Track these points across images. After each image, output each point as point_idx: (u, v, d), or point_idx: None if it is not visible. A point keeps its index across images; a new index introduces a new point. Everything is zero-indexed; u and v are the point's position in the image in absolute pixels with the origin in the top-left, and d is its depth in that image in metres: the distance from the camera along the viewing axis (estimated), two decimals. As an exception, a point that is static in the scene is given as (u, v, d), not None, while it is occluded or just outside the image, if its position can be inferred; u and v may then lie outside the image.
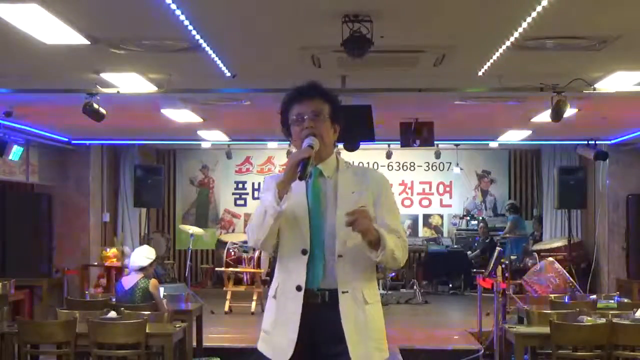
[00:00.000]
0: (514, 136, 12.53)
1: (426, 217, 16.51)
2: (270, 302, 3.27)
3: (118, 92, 7.81)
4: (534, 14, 5.12)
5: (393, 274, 14.43)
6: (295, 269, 3.16)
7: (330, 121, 3.25)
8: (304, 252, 3.15)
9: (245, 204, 16.53)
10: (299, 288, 3.14)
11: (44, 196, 12.77)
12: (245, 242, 14.25)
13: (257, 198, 16.46)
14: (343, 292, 3.13)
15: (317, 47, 6.26)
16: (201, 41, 5.92)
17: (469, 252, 15.27)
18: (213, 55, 6.43)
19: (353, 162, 3.47)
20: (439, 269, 15.29)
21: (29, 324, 7.55)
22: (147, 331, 6.76)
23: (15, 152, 10.93)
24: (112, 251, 13.33)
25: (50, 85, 7.77)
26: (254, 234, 3.16)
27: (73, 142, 12.86)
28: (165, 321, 7.25)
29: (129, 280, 7.74)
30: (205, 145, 14.24)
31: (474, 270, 13.16)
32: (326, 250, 3.15)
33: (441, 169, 16.37)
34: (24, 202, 12.67)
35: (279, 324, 3.19)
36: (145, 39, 6.03)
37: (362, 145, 9.67)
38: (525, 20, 5.29)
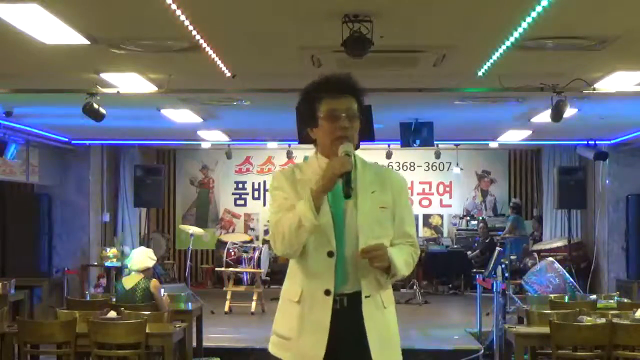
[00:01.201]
0: (514, 136, 12.53)
1: (426, 217, 16.51)
2: (289, 306, 3.07)
3: (118, 92, 7.81)
4: (534, 14, 5.12)
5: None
6: (321, 272, 3.00)
7: (359, 121, 3.12)
8: (330, 254, 3.00)
9: (245, 204, 16.54)
10: (327, 292, 2.99)
11: (44, 196, 12.77)
12: (246, 242, 14.33)
13: (257, 198, 16.48)
14: (366, 297, 3.03)
15: (317, 47, 6.26)
16: (201, 41, 5.92)
17: (468, 252, 15.26)
18: (213, 55, 6.43)
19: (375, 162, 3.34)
20: (439, 269, 15.29)
21: (29, 324, 7.55)
22: (147, 331, 6.76)
23: (12, 152, 10.92)
24: (112, 251, 13.33)
25: (50, 85, 7.77)
26: (287, 245, 2.97)
27: (73, 142, 12.87)
28: (165, 321, 7.25)
29: (129, 280, 7.73)
30: (205, 145, 14.24)
31: (474, 270, 13.18)
32: (347, 253, 3.02)
33: (441, 169, 16.37)
34: (24, 202, 12.68)
35: (305, 331, 3.00)
36: (145, 39, 6.03)
37: (362, 145, 9.66)
38: (525, 20, 5.29)
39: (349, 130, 3.02)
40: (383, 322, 3.08)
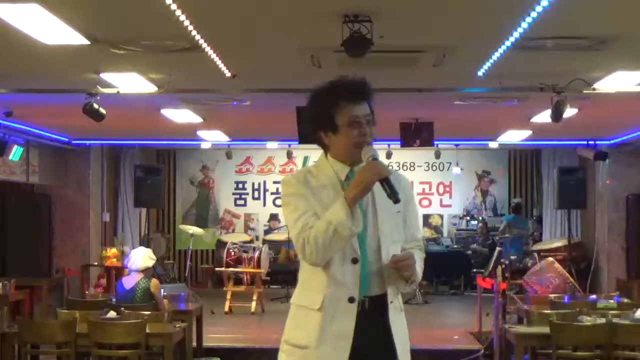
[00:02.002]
0: (514, 136, 12.52)
1: (426, 217, 16.50)
2: (306, 314, 2.97)
3: (118, 92, 7.81)
4: (533, 14, 5.12)
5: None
6: (346, 279, 2.93)
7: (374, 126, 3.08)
8: (354, 260, 2.94)
9: (245, 204, 16.54)
10: (351, 300, 2.92)
11: (44, 196, 12.78)
12: (246, 242, 14.34)
13: (257, 198, 16.48)
14: (391, 302, 3.01)
15: (317, 47, 6.26)
16: (201, 41, 5.92)
17: (469, 252, 15.25)
18: (213, 55, 6.43)
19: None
20: (439, 269, 15.28)
21: (29, 324, 7.55)
22: (147, 331, 6.77)
23: (15, 152, 10.93)
24: (112, 251, 13.34)
25: (50, 85, 7.77)
26: (321, 254, 2.87)
27: (73, 142, 12.87)
28: (165, 321, 7.26)
29: (129, 280, 7.73)
30: (205, 145, 14.24)
31: (474, 270, 13.18)
32: (370, 258, 2.97)
33: (441, 169, 16.37)
34: (24, 202, 12.68)
35: (327, 339, 2.91)
36: (145, 39, 6.03)
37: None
38: (525, 20, 5.29)
39: (369, 137, 3.01)
40: (402, 325, 3.09)
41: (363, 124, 2.99)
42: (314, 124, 3.06)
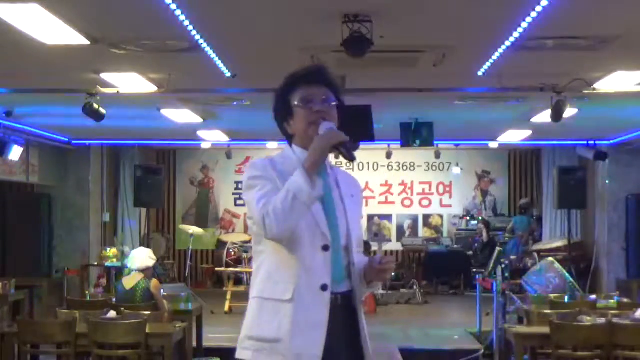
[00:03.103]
0: (514, 136, 12.53)
1: (426, 217, 16.51)
2: (275, 306, 2.86)
3: (118, 92, 7.81)
4: (533, 14, 5.12)
5: (392, 274, 14.43)
6: (316, 267, 2.85)
7: (336, 111, 3.01)
8: (325, 248, 2.87)
9: (245, 204, 16.52)
10: (324, 287, 2.84)
11: (44, 196, 12.77)
12: (246, 242, 14.29)
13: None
14: (359, 299, 2.97)
15: (317, 47, 6.26)
16: (201, 41, 5.92)
17: (469, 253, 15.25)
18: (213, 55, 6.44)
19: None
20: (439, 269, 15.29)
21: (29, 324, 7.55)
22: (147, 331, 6.76)
23: (14, 152, 10.92)
24: (112, 251, 13.33)
25: (50, 85, 7.78)
26: (282, 223, 2.75)
27: (73, 142, 12.87)
28: (165, 321, 7.26)
29: (129, 280, 7.73)
30: (205, 145, 14.24)
31: (474, 270, 13.17)
32: (341, 254, 2.93)
33: (441, 169, 16.37)
34: (24, 202, 12.67)
35: (301, 330, 2.81)
36: (145, 39, 6.04)
37: (362, 145, 9.69)
38: (525, 20, 5.29)
39: (326, 115, 2.94)
40: (365, 322, 3.03)
41: (316, 102, 2.95)
42: (278, 118, 3.05)
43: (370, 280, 3.00)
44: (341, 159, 2.99)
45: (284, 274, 2.88)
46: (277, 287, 2.88)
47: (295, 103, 2.96)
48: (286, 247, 2.85)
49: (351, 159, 2.88)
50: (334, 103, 3.00)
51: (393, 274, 14.46)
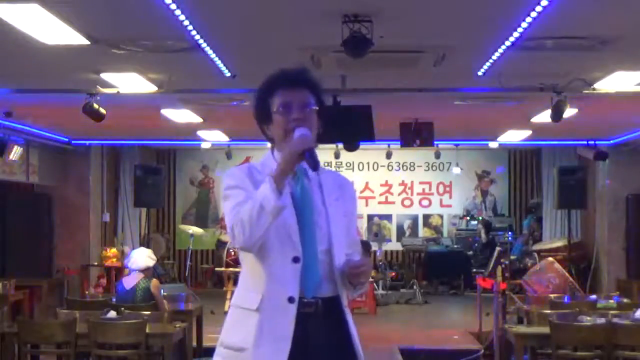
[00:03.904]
0: (514, 136, 12.53)
1: (426, 217, 16.50)
2: (243, 315, 2.85)
3: (118, 92, 7.81)
4: (534, 14, 5.12)
5: (393, 274, 14.45)
6: (285, 278, 2.82)
7: (317, 116, 2.94)
8: (295, 259, 2.82)
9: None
10: (291, 300, 2.80)
11: (44, 196, 12.77)
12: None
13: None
14: (346, 304, 2.94)
15: (317, 47, 6.27)
16: (201, 41, 5.92)
17: (470, 253, 15.24)
18: (213, 55, 6.44)
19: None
20: (439, 269, 15.30)
21: (29, 324, 7.55)
22: (147, 331, 6.76)
23: (15, 152, 10.92)
24: (112, 251, 13.33)
25: (50, 85, 7.77)
26: (247, 234, 2.73)
27: (73, 142, 12.86)
28: (165, 321, 7.26)
29: (129, 280, 7.73)
30: (205, 145, 14.24)
31: (474, 270, 13.18)
32: (320, 257, 2.87)
33: (441, 169, 16.36)
34: (24, 202, 12.67)
35: (265, 340, 2.80)
36: (145, 39, 6.04)
37: (362, 145, 9.68)
38: (525, 20, 5.29)
39: (303, 122, 2.86)
40: (353, 325, 2.97)
41: (294, 108, 2.89)
42: (258, 120, 3.01)
43: (352, 283, 2.95)
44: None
45: (254, 283, 2.87)
46: (248, 296, 2.87)
47: (274, 110, 2.92)
48: (256, 256, 2.83)
49: (314, 167, 2.81)
50: (313, 107, 2.93)
51: (393, 273, 14.50)
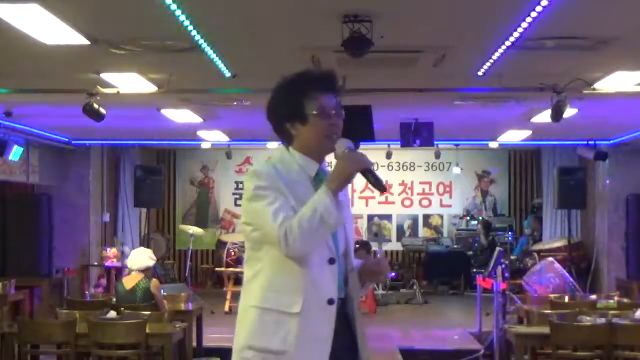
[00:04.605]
0: (514, 136, 12.53)
1: (426, 217, 16.50)
2: (280, 317, 2.82)
3: (118, 92, 7.81)
4: (534, 14, 5.12)
5: (393, 274, 14.44)
6: (324, 280, 2.83)
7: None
8: (331, 261, 2.86)
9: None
10: (330, 301, 2.83)
11: (44, 196, 12.77)
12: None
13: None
14: (354, 299, 2.97)
15: (317, 47, 6.27)
16: (201, 41, 5.92)
17: (470, 253, 15.23)
18: (213, 55, 6.44)
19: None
20: (439, 269, 15.29)
21: (29, 324, 7.55)
22: (147, 331, 6.77)
23: (15, 152, 10.92)
24: (112, 251, 13.34)
25: (50, 85, 7.77)
26: (307, 244, 2.75)
27: (73, 142, 12.87)
28: (165, 321, 7.26)
29: (129, 280, 7.73)
30: (205, 145, 14.24)
31: (474, 270, 13.17)
32: (342, 259, 2.92)
33: (441, 169, 16.37)
34: (24, 202, 12.67)
35: (308, 343, 2.80)
36: (145, 39, 6.04)
37: (362, 145, 9.68)
38: (525, 20, 5.29)
39: (339, 129, 2.92)
40: (363, 324, 3.02)
41: (332, 115, 2.91)
42: (279, 115, 2.95)
43: (364, 281, 3.02)
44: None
45: (288, 285, 2.83)
46: (282, 298, 2.83)
47: (314, 112, 2.89)
48: (292, 258, 2.81)
49: (381, 188, 2.86)
50: (344, 116, 2.96)
51: (393, 274, 14.49)
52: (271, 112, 2.99)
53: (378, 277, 3.03)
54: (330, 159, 2.92)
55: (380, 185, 2.85)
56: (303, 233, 2.72)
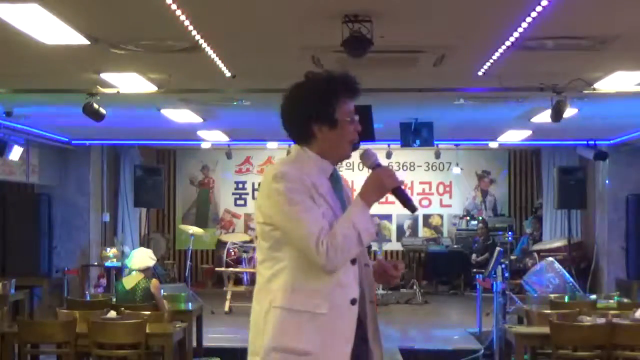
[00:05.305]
0: (514, 136, 12.53)
1: (426, 217, 16.51)
2: (307, 318, 2.82)
3: (118, 92, 7.81)
4: (534, 14, 5.12)
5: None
6: (347, 281, 2.86)
7: None
8: (353, 261, 2.88)
9: (245, 204, 16.53)
10: (353, 301, 2.87)
11: (44, 196, 12.77)
12: (246, 242, 14.34)
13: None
14: (370, 302, 3.02)
15: (317, 47, 6.26)
16: (201, 41, 5.92)
17: (473, 256, 15.18)
18: (213, 55, 6.44)
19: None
20: (439, 269, 15.30)
21: (29, 324, 7.55)
22: (147, 331, 6.77)
23: (15, 152, 10.92)
24: (112, 251, 13.34)
25: (50, 85, 7.77)
26: (344, 260, 2.80)
27: (73, 142, 12.87)
28: (165, 321, 7.26)
29: (129, 280, 7.73)
30: (205, 145, 14.24)
31: (474, 270, 13.17)
32: (360, 259, 2.95)
33: (441, 169, 16.37)
34: (24, 202, 12.67)
35: (333, 343, 2.82)
36: (145, 39, 6.03)
37: (362, 146, 9.67)
38: (525, 20, 5.29)
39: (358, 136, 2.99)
40: (377, 320, 3.07)
41: (356, 122, 2.96)
42: (306, 115, 2.91)
43: (375, 281, 3.08)
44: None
45: (314, 286, 2.83)
46: (309, 299, 2.83)
47: (345, 118, 2.92)
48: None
49: (412, 208, 2.92)
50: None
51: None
52: (296, 111, 2.96)
53: (390, 280, 3.09)
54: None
55: (411, 205, 2.92)
56: (344, 250, 2.77)
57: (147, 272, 7.71)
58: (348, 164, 15.80)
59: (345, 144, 2.94)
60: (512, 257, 13.39)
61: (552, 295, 8.63)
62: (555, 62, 6.78)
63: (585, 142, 12.65)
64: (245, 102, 9.13)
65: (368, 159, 2.95)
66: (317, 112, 2.90)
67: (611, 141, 12.64)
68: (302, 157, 2.94)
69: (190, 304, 8.75)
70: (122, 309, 7.26)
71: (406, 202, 2.91)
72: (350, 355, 2.84)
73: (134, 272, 7.72)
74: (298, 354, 2.81)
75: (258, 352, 2.87)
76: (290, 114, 2.96)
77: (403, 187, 2.99)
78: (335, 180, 2.97)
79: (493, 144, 13.94)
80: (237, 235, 15.81)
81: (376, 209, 2.91)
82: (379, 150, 14.33)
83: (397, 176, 2.92)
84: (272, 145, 14.51)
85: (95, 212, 13.60)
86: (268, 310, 2.86)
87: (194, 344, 8.55)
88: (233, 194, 16.59)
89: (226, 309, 12.04)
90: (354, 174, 14.99)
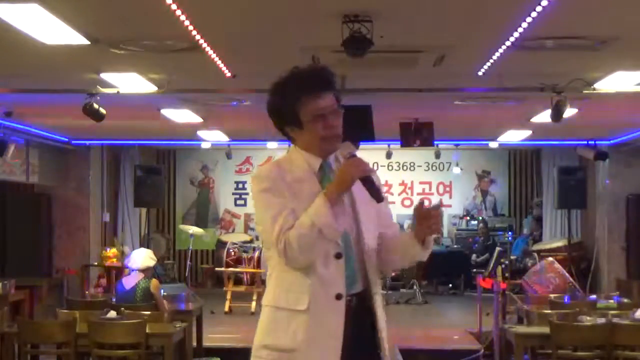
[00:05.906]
0: (514, 136, 12.53)
1: (426, 217, 16.46)
2: (289, 316, 2.83)
3: (118, 92, 7.81)
4: (534, 14, 5.12)
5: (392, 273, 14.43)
6: (330, 275, 2.81)
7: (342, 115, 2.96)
8: (338, 255, 2.83)
9: (245, 204, 16.53)
10: (338, 297, 2.81)
11: (44, 196, 12.77)
12: (246, 242, 14.32)
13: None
14: (375, 294, 2.95)
15: (317, 47, 6.26)
16: (201, 41, 5.92)
17: (473, 256, 15.19)
18: (213, 55, 6.44)
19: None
20: (439, 269, 15.27)
21: (29, 324, 7.56)
22: (147, 331, 6.77)
23: (14, 152, 10.92)
24: (112, 251, 13.33)
25: (50, 85, 7.77)
26: (306, 257, 2.78)
27: (73, 142, 12.87)
28: (165, 321, 7.26)
29: (129, 280, 7.74)
30: (205, 145, 14.24)
31: (474, 270, 13.18)
32: (353, 251, 2.89)
33: (441, 169, 16.37)
34: (24, 202, 12.68)
35: (316, 340, 2.79)
36: (145, 39, 6.03)
37: (362, 145, 9.68)
38: (525, 20, 5.29)
39: (337, 128, 2.89)
40: (385, 319, 3.00)
41: (327, 117, 2.87)
42: (279, 119, 2.94)
43: (422, 238, 3.11)
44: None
45: (296, 283, 2.84)
46: (290, 296, 2.85)
47: (307, 119, 2.86)
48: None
49: (378, 198, 2.88)
50: (341, 111, 2.93)
51: (393, 273, 14.47)
52: (271, 116, 2.99)
53: (432, 225, 3.16)
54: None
55: (378, 195, 2.87)
56: (302, 248, 2.75)
57: (148, 272, 7.72)
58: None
59: (317, 141, 2.88)
60: (512, 257, 13.38)
61: (552, 295, 8.63)
62: (555, 62, 6.78)
63: (585, 142, 12.64)
64: (245, 102, 9.13)
65: (344, 149, 2.91)
66: (282, 117, 2.92)
67: (611, 141, 12.63)
68: (291, 153, 2.98)
69: (190, 304, 8.75)
70: (122, 309, 7.26)
71: (372, 192, 2.86)
72: (339, 352, 2.80)
73: (134, 272, 7.72)
74: (284, 351, 2.83)
75: (253, 349, 2.96)
76: (271, 117, 2.99)
77: (375, 177, 2.93)
78: (325, 172, 2.92)
79: (493, 144, 13.94)
80: (237, 235, 15.81)
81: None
82: (379, 150, 14.37)
83: (369, 166, 2.85)
84: (272, 145, 14.51)
85: (95, 212, 13.60)
86: (262, 309, 2.98)
87: (194, 344, 8.55)
88: (233, 194, 16.59)
89: (226, 309, 12.04)
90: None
